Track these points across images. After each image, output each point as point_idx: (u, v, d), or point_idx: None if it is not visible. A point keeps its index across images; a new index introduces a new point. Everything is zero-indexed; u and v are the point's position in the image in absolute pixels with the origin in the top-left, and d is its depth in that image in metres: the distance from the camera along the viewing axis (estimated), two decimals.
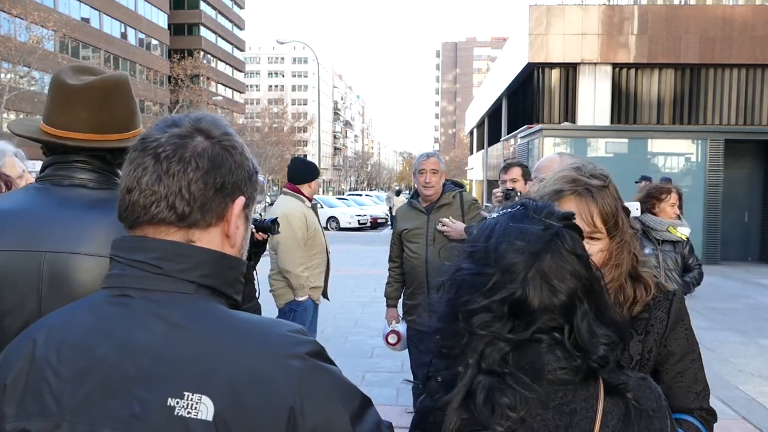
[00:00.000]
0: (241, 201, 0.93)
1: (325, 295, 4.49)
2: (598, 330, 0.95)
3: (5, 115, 29.54)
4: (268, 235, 3.53)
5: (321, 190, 55.77)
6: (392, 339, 4.13)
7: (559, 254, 0.97)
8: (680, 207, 4.40)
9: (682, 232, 4.25)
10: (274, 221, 3.53)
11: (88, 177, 1.47)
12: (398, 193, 27.36)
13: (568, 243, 0.99)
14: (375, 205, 31.24)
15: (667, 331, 1.39)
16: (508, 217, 1.03)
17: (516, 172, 4.08)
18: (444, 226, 3.77)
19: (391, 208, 26.09)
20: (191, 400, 0.79)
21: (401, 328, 4.12)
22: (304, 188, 4.31)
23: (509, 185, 4.04)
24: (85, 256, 1.35)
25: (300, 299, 4.18)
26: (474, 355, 0.95)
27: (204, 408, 0.78)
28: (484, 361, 0.94)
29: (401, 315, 4.07)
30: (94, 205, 1.43)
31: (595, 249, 1.37)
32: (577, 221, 1.17)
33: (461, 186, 4.14)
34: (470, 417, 0.94)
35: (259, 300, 2.01)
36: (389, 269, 4.13)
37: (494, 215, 1.06)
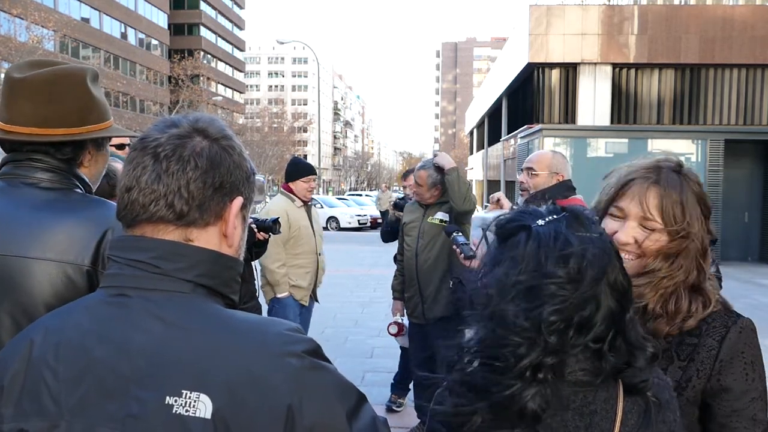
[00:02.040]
0: (239, 201, 0.94)
1: (314, 296, 4.43)
2: (637, 337, 0.96)
3: None
4: (269, 235, 3.55)
5: (321, 190, 55.80)
6: (392, 329, 4.24)
7: (617, 262, 0.97)
8: None
9: None
10: (275, 221, 3.55)
11: (41, 176, 1.42)
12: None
13: (616, 252, 0.99)
14: (375, 205, 31.24)
15: (716, 363, 1.23)
16: (563, 225, 0.98)
17: (413, 178, 4.30)
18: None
19: (383, 213, 26.08)
20: (189, 398, 0.79)
21: (406, 320, 4.19)
22: (294, 187, 4.32)
23: (410, 189, 4.39)
24: (32, 259, 1.31)
25: (279, 296, 4.20)
26: (534, 365, 0.91)
27: (202, 406, 0.79)
28: (540, 372, 0.91)
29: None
30: (44, 206, 1.38)
31: (641, 235, 1.27)
32: (632, 204, 1.26)
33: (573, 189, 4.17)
34: (494, 419, 0.93)
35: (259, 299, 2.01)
36: (396, 263, 4.33)
37: (540, 223, 0.99)
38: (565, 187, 3.14)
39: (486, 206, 3.54)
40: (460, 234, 3.04)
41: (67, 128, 1.43)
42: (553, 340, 0.90)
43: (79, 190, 1.48)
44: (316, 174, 4.51)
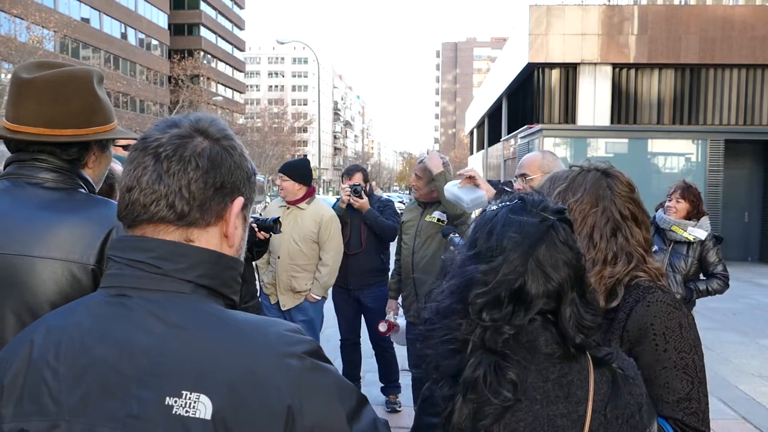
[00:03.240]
0: (239, 201, 0.94)
1: (282, 301, 4.28)
2: (585, 314, 1.05)
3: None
4: (270, 234, 3.54)
5: (321, 190, 55.76)
6: (382, 327, 4.24)
7: (553, 245, 1.05)
8: (694, 208, 4.16)
9: (692, 233, 4.04)
10: (276, 220, 3.54)
11: (46, 176, 1.43)
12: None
13: (561, 234, 1.07)
14: None
15: (624, 333, 1.34)
16: (507, 210, 1.11)
17: (358, 177, 4.62)
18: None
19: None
20: (189, 399, 0.79)
21: (400, 320, 4.19)
22: None
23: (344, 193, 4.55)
24: (36, 258, 1.32)
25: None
26: (478, 341, 1.03)
27: (202, 407, 0.79)
28: (486, 343, 1.02)
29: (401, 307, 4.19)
30: (48, 205, 1.39)
31: None
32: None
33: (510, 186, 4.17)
34: (478, 397, 1.01)
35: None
36: (394, 261, 4.35)
37: (493, 208, 1.13)
38: None
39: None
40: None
41: (74, 129, 1.44)
42: (485, 317, 1.01)
43: (82, 190, 1.49)
44: (282, 172, 4.34)
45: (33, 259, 1.31)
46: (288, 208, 4.29)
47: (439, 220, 3.91)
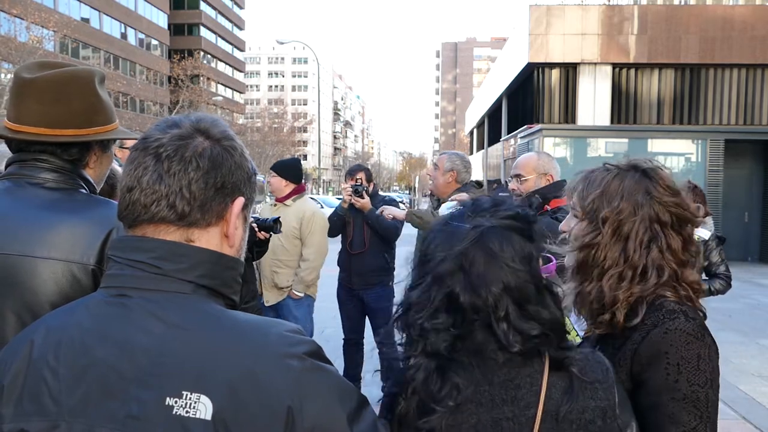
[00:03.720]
0: (240, 201, 0.94)
1: (265, 297, 4.41)
2: (524, 325, 1.01)
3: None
4: (270, 234, 3.55)
5: (321, 190, 55.73)
6: None
7: (485, 254, 1.02)
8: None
9: (696, 233, 4.06)
10: (276, 220, 3.55)
11: (46, 176, 1.43)
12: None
13: (494, 243, 1.03)
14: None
15: (635, 356, 1.25)
16: (448, 216, 1.11)
17: (361, 177, 4.63)
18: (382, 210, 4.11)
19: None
20: (190, 399, 0.79)
21: None
22: None
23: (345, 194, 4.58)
24: (37, 258, 1.32)
25: None
26: (421, 345, 1.04)
27: (202, 407, 0.79)
28: (429, 347, 1.03)
29: None
30: (49, 206, 1.38)
31: (573, 224, 1.37)
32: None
33: (479, 185, 4.18)
34: (420, 399, 1.03)
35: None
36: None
37: (445, 213, 1.15)
38: (559, 187, 3.14)
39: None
40: None
41: (75, 129, 1.44)
42: (426, 326, 1.03)
43: (83, 191, 1.49)
44: (272, 169, 4.49)
45: (34, 260, 1.31)
46: (275, 206, 4.42)
47: None
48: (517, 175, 3.16)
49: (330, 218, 4.67)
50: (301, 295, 4.35)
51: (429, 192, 4.30)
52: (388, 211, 4.07)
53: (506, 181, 3.54)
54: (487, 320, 1.02)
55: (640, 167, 1.37)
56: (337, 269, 4.82)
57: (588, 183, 1.38)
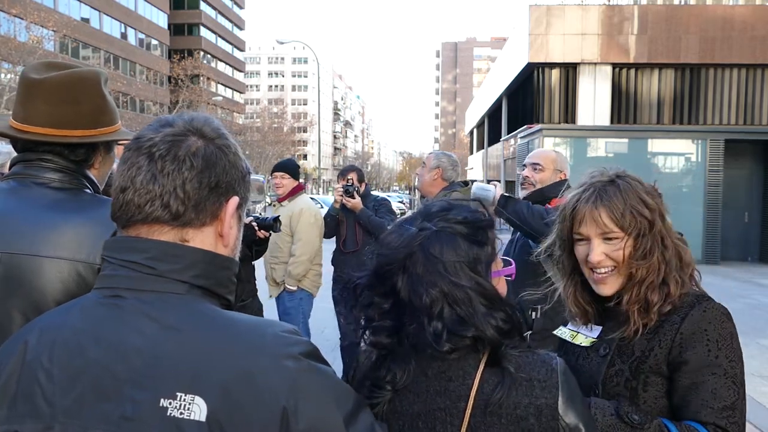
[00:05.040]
0: (234, 201, 0.93)
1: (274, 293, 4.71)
2: (457, 327, 1.04)
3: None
4: (270, 233, 3.55)
5: (321, 190, 55.77)
6: None
7: (425, 258, 1.07)
8: None
9: None
10: (276, 219, 3.55)
11: (52, 176, 1.43)
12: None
13: (435, 247, 1.07)
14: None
15: (677, 335, 1.32)
16: (403, 219, 1.17)
17: (352, 177, 4.72)
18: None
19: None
20: (184, 400, 0.78)
21: None
22: None
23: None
24: (43, 258, 1.32)
25: None
26: (368, 332, 1.12)
27: (197, 408, 0.78)
28: (373, 336, 1.11)
29: None
30: (54, 205, 1.39)
31: (609, 249, 1.38)
32: (589, 227, 1.38)
33: (466, 184, 4.19)
34: (369, 385, 1.09)
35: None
36: None
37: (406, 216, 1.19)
38: (560, 186, 3.16)
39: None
40: None
41: (83, 130, 1.45)
42: (369, 316, 1.11)
43: (88, 191, 1.50)
44: (282, 170, 4.61)
45: (40, 259, 1.32)
46: (274, 206, 4.65)
47: None
48: (535, 164, 3.18)
49: (324, 219, 4.76)
50: (294, 288, 4.52)
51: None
52: None
53: (518, 174, 3.60)
54: (423, 318, 1.06)
55: (622, 176, 1.45)
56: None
57: (604, 199, 1.39)
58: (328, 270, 4.73)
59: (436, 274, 1.05)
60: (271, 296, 4.66)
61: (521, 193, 3.26)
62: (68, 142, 1.44)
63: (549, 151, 3.34)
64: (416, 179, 4.26)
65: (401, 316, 1.08)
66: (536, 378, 1.04)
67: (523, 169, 3.23)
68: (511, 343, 1.07)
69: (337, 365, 4.66)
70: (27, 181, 1.42)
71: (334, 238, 4.87)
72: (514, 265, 1.24)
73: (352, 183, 4.63)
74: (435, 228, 1.09)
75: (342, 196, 4.59)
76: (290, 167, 4.66)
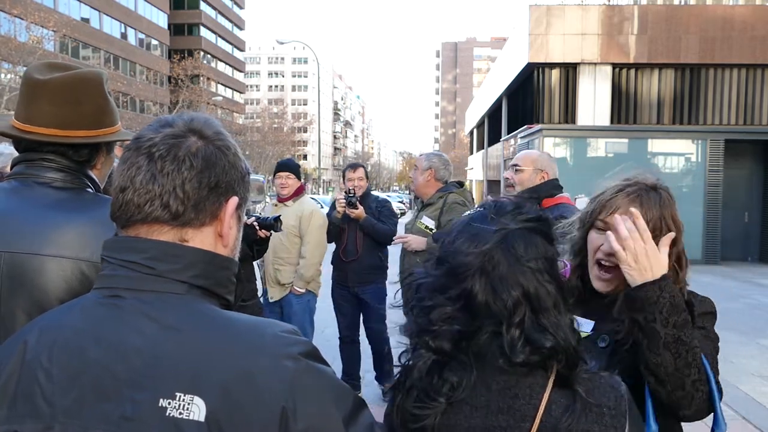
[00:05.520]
0: (234, 201, 0.93)
1: (267, 294, 4.62)
2: (536, 336, 0.98)
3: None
4: (271, 233, 3.55)
5: (321, 190, 55.74)
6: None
7: (506, 257, 1.00)
8: None
9: None
10: (277, 219, 3.55)
11: (54, 176, 1.44)
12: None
13: (518, 247, 1.01)
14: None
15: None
16: (469, 217, 1.09)
17: (361, 172, 4.69)
18: (402, 239, 4.00)
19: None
20: (183, 400, 0.78)
21: None
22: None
23: (356, 182, 4.59)
24: (46, 257, 1.32)
25: None
26: (427, 338, 1.03)
27: (196, 409, 0.78)
28: (434, 342, 1.02)
29: None
30: (57, 205, 1.40)
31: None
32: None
33: (461, 185, 4.19)
34: (419, 393, 1.02)
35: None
36: None
37: (465, 214, 1.12)
38: (552, 186, 3.19)
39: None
40: None
41: (86, 130, 1.46)
42: (433, 324, 1.02)
43: (90, 190, 1.51)
44: (287, 170, 4.57)
45: (42, 258, 1.32)
46: (276, 205, 4.58)
47: (427, 227, 3.92)
48: (515, 165, 3.24)
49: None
50: (302, 290, 4.49)
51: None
52: (410, 244, 3.97)
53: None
54: (498, 324, 0.99)
55: (662, 188, 1.50)
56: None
57: (644, 200, 1.43)
58: (327, 270, 4.73)
59: (521, 274, 0.99)
60: (272, 298, 4.53)
61: (505, 194, 3.30)
62: (72, 143, 1.45)
63: (531, 151, 3.38)
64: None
65: (470, 321, 1.01)
66: (606, 405, 0.98)
67: (507, 170, 3.31)
68: (577, 359, 1.01)
69: (337, 365, 4.66)
70: (29, 180, 1.43)
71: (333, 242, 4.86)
72: (569, 266, 1.22)
73: (354, 193, 4.56)
74: (516, 226, 1.03)
75: (345, 207, 4.52)
76: (294, 167, 4.64)
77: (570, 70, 17.62)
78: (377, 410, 1.03)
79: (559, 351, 0.98)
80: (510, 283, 0.99)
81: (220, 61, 64.51)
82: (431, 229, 3.87)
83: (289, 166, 4.63)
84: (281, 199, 4.56)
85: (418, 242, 3.88)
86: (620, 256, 1.31)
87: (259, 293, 4.39)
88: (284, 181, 4.51)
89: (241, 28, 71.93)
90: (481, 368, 1.00)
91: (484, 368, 1.00)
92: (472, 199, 4.37)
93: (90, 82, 1.46)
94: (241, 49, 72.27)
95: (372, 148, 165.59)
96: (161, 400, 0.79)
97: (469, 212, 1.12)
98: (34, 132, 1.42)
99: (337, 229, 4.64)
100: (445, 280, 1.03)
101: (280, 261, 4.46)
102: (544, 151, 3.51)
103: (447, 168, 4.06)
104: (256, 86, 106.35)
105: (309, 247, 4.45)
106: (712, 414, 1.36)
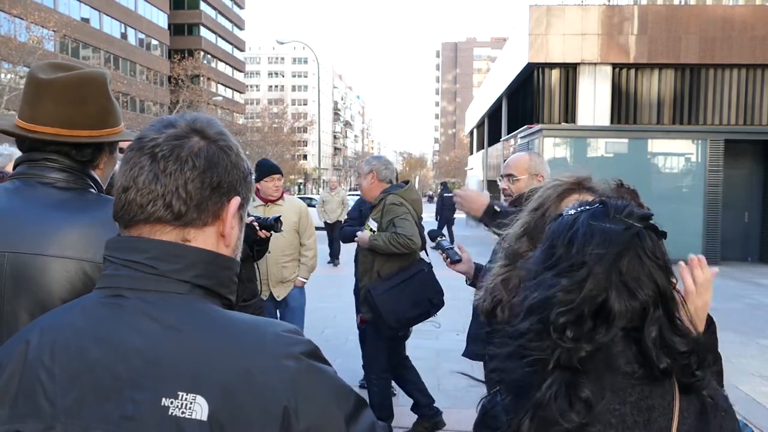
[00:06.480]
0: (236, 201, 0.93)
1: (273, 295, 4.61)
2: (673, 337, 0.94)
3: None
4: (271, 233, 3.56)
5: (320, 190, 55.68)
6: (358, 320, 4.44)
7: (638, 256, 0.96)
8: None
9: None
10: (277, 219, 3.56)
11: (57, 176, 1.44)
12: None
13: (648, 245, 0.97)
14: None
15: None
16: (587, 216, 1.02)
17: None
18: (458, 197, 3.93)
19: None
20: (185, 400, 0.78)
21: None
22: (260, 187, 4.55)
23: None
24: (49, 257, 1.32)
25: None
26: (556, 360, 0.94)
27: (198, 408, 0.78)
28: (561, 361, 0.93)
29: None
30: (60, 205, 1.40)
31: None
32: None
33: (406, 183, 4.24)
34: (548, 416, 0.93)
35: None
36: None
37: (571, 212, 1.04)
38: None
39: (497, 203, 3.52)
40: (445, 238, 3.00)
41: (90, 130, 1.47)
42: (568, 335, 0.93)
43: (93, 190, 1.51)
44: (276, 172, 4.66)
45: (46, 258, 1.32)
46: (266, 205, 4.59)
47: (371, 229, 4.01)
48: (509, 175, 3.08)
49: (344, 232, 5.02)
50: (306, 280, 4.73)
51: (429, 194, 4.35)
52: (360, 239, 4.10)
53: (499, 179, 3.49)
54: (630, 330, 0.94)
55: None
56: (337, 270, 4.85)
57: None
58: (326, 272, 4.75)
59: (651, 274, 0.95)
60: (279, 297, 4.63)
61: (505, 202, 3.16)
62: (76, 142, 1.46)
63: (521, 156, 3.19)
64: (417, 180, 4.30)
65: (606, 331, 0.94)
66: (725, 407, 0.97)
67: (501, 180, 3.13)
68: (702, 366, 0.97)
69: (337, 365, 4.64)
70: (32, 180, 1.43)
71: (324, 240, 4.98)
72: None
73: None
74: (640, 224, 0.99)
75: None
76: (279, 169, 4.80)
77: (570, 70, 17.62)
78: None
79: (691, 354, 0.95)
80: (644, 282, 0.95)
81: (220, 61, 64.52)
82: (373, 230, 3.97)
83: (279, 168, 4.76)
84: (271, 200, 4.60)
85: (363, 239, 4.03)
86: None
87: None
88: (277, 183, 4.62)
89: (241, 28, 71.92)
90: (613, 381, 0.94)
91: (616, 380, 0.94)
92: (419, 195, 4.41)
93: (94, 82, 1.47)
94: (241, 49, 72.26)
95: (372, 148, 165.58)
96: (163, 399, 0.79)
97: (573, 209, 1.05)
98: (38, 131, 1.43)
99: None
100: (576, 287, 0.95)
101: (285, 258, 4.60)
102: (531, 152, 3.33)
103: (388, 167, 4.15)
104: (256, 86, 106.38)
105: (312, 239, 4.76)
106: None
